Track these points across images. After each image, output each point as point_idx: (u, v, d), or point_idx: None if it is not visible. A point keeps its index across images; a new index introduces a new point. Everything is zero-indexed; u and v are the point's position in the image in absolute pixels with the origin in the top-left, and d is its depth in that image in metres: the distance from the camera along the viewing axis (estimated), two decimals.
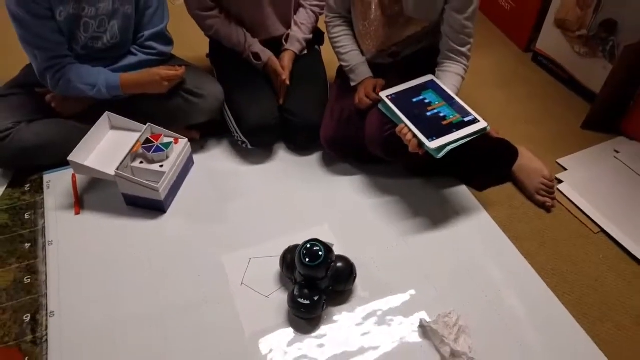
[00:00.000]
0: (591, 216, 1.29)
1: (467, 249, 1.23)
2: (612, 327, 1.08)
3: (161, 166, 1.27)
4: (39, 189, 1.33)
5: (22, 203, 1.29)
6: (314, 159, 1.46)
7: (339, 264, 1.09)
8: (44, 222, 1.25)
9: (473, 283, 1.15)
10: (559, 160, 1.46)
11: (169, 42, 1.43)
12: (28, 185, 1.34)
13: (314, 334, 1.05)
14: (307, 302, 1.02)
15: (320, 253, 1.02)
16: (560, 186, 1.37)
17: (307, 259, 1.02)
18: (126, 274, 1.16)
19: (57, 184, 1.34)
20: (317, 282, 1.05)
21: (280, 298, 1.11)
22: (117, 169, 1.21)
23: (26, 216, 1.26)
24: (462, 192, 1.37)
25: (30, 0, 1.14)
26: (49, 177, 1.36)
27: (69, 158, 1.22)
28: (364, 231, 1.25)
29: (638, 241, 1.23)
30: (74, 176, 1.35)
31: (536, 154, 1.41)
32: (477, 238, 1.25)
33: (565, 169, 1.43)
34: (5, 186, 1.33)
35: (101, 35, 1.30)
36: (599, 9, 1.53)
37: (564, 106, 1.67)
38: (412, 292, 1.13)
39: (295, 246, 1.09)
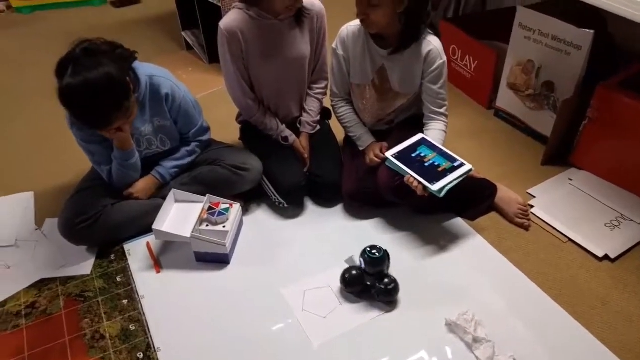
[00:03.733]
0: (560, 230, 1.67)
1: (469, 264, 1.57)
2: (586, 308, 1.43)
3: (224, 227, 1.59)
4: (122, 256, 1.63)
5: (112, 269, 1.59)
6: (338, 209, 1.81)
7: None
8: (134, 282, 1.54)
9: (479, 288, 1.49)
10: (528, 191, 1.85)
11: (207, 130, 1.79)
12: (113, 255, 1.63)
13: (365, 337, 1.36)
14: (383, 287, 1.43)
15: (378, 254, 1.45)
16: (532, 210, 1.75)
17: (373, 251, 1.44)
18: (207, 313, 1.45)
19: (136, 251, 1.64)
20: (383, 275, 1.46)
21: (334, 317, 1.42)
22: (193, 232, 1.53)
23: (118, 279, 1.55)
24: (459, 222, 1.73)
25: (88, 134, 1.54)
26: (128, 247, 1.66)
27: (153, 227, 1.54)
28: None
29: (596, 243, 1.60)
30: (148, 243, 1.66)
31: (510, 187, 1.80)
32: (475, 256, 1.60)
33: (534, 197, 1.82)
34: (94, 259, 1.62)
35: (156, 150, 1.68)
36: (539, 74, 2.00)
37: (524, 148, 2.09)
38: (434, 299, 1.46)
39: (350, 268, 1.47)
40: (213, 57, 2.70)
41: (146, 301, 1.48)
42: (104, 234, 1.62)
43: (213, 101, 2.37)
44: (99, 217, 1.59)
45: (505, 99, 2.21)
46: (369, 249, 1.44)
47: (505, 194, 1.76)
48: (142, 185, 1.68)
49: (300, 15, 1.67)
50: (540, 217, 1.73)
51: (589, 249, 1.59)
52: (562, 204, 1.77)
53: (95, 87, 1.32)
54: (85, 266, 1.60)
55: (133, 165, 1.61)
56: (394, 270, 1.50)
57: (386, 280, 1.44)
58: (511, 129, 2.22)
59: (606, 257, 1.57)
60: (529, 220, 1.71)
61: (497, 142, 2.15)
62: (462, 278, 1.53)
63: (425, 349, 1.34)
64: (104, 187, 1.66)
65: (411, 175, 1.55)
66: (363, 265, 1.44)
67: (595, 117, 1.81)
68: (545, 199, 1.80)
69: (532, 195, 1.83)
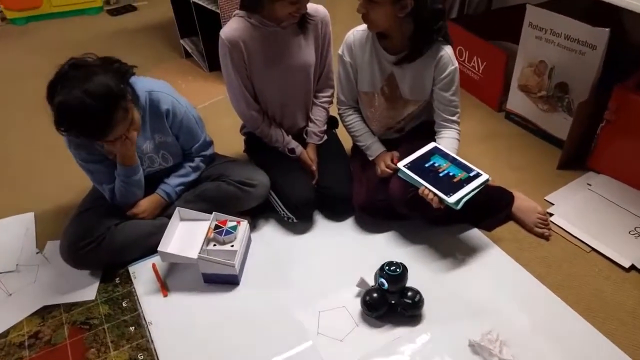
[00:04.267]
0: (582, 239, 1.60)
1: (489, 278, 1.51)
2: (617, 324, 1.36)
3: (232, 246, 1.53)
4: (127, 280, 1.56)
5: (117, 294, 1.52)
6: (348, 223, 1.74)
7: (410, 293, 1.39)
8: (140, 307, 1.48)
9: (500, 304, 1.43)
10: (546, 197, 1.78)
11: (210, 144, 1.73)
12: (118, 279, 1.57)
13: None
14: (410, 301, 1.38)
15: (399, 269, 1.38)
16: (552, 218, 1.68)
17: (392, 267, 1.37)
18: (218, 339, 1.38)
19: (142, 274, 1.58)
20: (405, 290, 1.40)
21: (352, 339, 1.36)
22: (200, 253, 1.47)
23: (124, 304, 1.49)
24: (475, 233, 1.66)
25: (85, 153, 1.49)
26: (133, 269, 1.59)
27: (158, 249, 1.48)
28: None
29: (621, 252, 1.54)
30: (154, 265, 1.59)
31: (526, 194, 1.73)
32: (494, 269, 1.54)
33: (553, 204, 1.75)
34: (98, 282, 1.56)
35: (159, 168, 1.62)
36: (552, 75, 1.93)
37: (538, 152, 2.02)
38: (455, 317, 1.40)
39: (369, 290, 1.40)
40: (213, 65, 2.63)
41: (154, 327, 1.42)
42: (108, 257, 1.56)
43: (215, 111, 2.31)
44: (103, 239, 1.52)
45: (517, 101, 2.14)
46: (387, 267, 1.37)
47: (523, 203, 1.69)
48: (147, 205, 1.62)
49: (304, 21, 1.61)
50: (560, 225, 1.66)
51: (614, 259, 1.53)
52: (583, 211, 1.70)
53: (88, 95, 1.26)
54: (89, 291, 1.53)
55: (137, 181, 1.55)
56: (411, 286, 1.43)
57: (409, 293, 1.39)
58: (523, 132, 2.15)
59: (633, 267, 1.50)
60: (549, 229, 1.64)
61: (510, 146, 2.08)
62: (482, 293, 1.46)
63: None
64: (107, 207, 1.60)
65: (426, 187, 1.49)
66: (385, 285, 1.36)
67: (612, 119, 1.74)
68: (565, 206, 1.73)
69: (550, 202, 1.76)
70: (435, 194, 1.46)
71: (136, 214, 1.60)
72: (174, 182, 1.64)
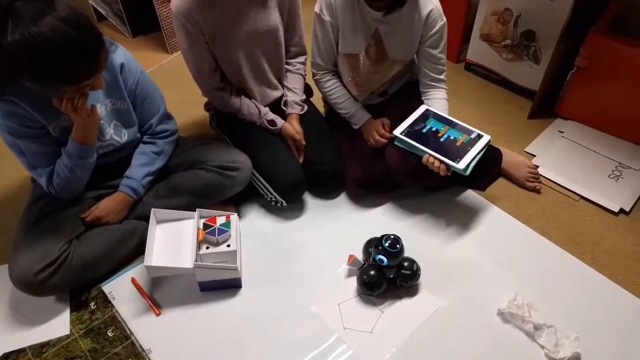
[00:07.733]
0: (569, 188, 1.63)
1: (497, 241, 1.48)
2: (621, 269, 1.41)
3: (228, 246, 1.33)
4: (105, 302, 1.31)
5: (97, 322, 1.27)
6: (341, 200, 1.61)
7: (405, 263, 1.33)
8: (132, 334, 1.25)
9: (514, 266, 1.41)
10: (526, 149, 1.79)
11: (171, 117, 1.49)
12: (93, 303, 1.31)
13: (421, 347, 1.23)
14: (409, 271, 1.32)
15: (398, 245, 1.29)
16: (538, 170, 1.70)
17: (390, 243, 1.28)
18: (234, 353, 1.22)
19: (120, 292, 1.33)
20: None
21: (381, 329, 1.27)
22: (195, 260, 1.26)
23: (109, 333, 1.25)
24: (471, 195, 1.63)
25: (17, 125, 1.17)
26: (109, 288, 1.34)
27: (144, 264, 1.24)
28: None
29: (607, 197, 1.59)
30: (134, 280, 1.36)
31: (506, 147, 1.72)
32: (500, 230, 1.52)
33: (534, 155, 1.76)
34: (68, 311, 1.29)
35: (110, 144, 1.33)
36: (518, 23, 1.90)
37: (506, 103, 2.01)
38: (475, 288, 1.36)
39: (365, 269, 1.33)
40: (137, 29, 2.25)
41: (156, 356, 1.21)
42: (75, 277, 1.29)
43: None
44: (66, 257, 1.25)
45: (478, 51, 2.10)
46: (384, 243, 1.28)
47: (512, 158, 1.67)
48: (111, 206, 1.36)
49: None
50: (546, 176, 1.68)
51: (603, 204, 1.58)
52: (563, 160, 1.73)
53: (67, 24, 0.99)
54: (60, 324, 1.26)
55: (89, 166, 1.28)
56: (421, 260, 1.35)
57: (406, 264, 1.32)
58: (486, 83, 2.13)
59: (621, 210, 1.57)
60: (540, 182, 1.65)
61: (476, 99, 2.05)
62: (495, 258, 1.44)
63: (486, 347, 1.24)
64: (61, 216, 1.31)
65: (430, 154, 1.39)
66: (385, 262, 1.28)
67: (585, 65, 1.76)
68: (547, 157, 1.75)
69: (531, 154, 1.77)
70: (441, 161, 1.38)
71: (99, 218, 1.33)
72: (138, 174, 1.38)
